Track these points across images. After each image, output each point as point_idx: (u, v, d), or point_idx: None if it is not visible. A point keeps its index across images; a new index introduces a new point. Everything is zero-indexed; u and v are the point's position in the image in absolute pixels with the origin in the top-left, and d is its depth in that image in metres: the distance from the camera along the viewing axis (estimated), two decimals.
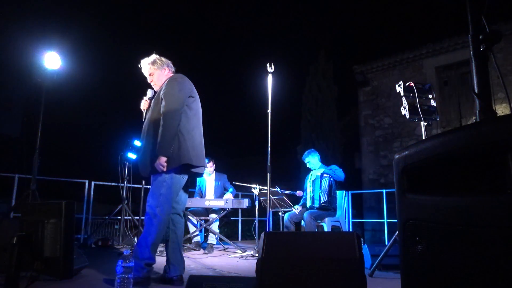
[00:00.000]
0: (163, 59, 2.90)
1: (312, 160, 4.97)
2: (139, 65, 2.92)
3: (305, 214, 4.51)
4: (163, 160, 2.51)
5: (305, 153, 5.06)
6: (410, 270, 1.17)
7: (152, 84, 2.91)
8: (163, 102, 2.62)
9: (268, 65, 3.65)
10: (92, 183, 5.99)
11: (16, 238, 1.78)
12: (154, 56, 2.90)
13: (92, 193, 5.97)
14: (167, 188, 2.57)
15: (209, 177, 5.65)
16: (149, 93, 2.93)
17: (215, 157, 5.74)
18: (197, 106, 2.82)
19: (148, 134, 2.70)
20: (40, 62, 4.28)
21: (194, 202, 5.24)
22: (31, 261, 1.84)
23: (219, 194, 5.51)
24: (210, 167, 5.62)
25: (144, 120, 2.88)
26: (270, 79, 3.66)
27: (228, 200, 5.06)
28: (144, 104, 2.91)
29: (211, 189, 5.59)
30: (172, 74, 2.88)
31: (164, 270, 2.69)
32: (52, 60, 4.29)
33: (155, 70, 2.86)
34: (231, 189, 5.56)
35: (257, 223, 5.15)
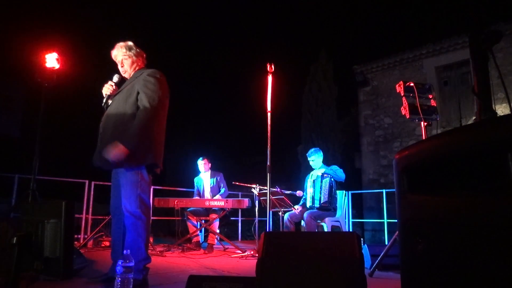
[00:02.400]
0: (139, 49, 2.77)
1: (317, 159, 4.97)
2: (112, 50, 2.73)
3: (305, 214, 4.51)
4: (125, 152, 2.35)
5: (312, 150, 5.05)
6: (410, 270, 1.17)
7: (123, 72, 2.74)
8: (144, 98, 2.49)
9: (268, 65, 3.65)
10: (92, 183, 5.98)
11: (16, 238, 1.78)
12: (131, 43, 2.75)
13: (92, 193, 5.97)
14: (143, 187, 2.51)
15: (205, 175, 5.66)
16: (115, 78, 2.71)
17: (215, 156, 5.77)
18: (167, 107, 2.73)
19: (115, 125, 2.52)
20: (40, 62, 4.28)
21: (194, 203, 5.24)
22: (31, 261, 1.84)
23: (216, 192, 5.52)
24: (204, 164, 5.62)
25: (104, 106, 2.69)
26: (270, 79, 3.66)
27: (228, 200, 5.06)
28: (108, 89, 2.67)
29: (207, 187, 5.60)
30: (143, 66, 2.77)
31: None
32: (52, 60, 4.28)
33: (129, 57, 2.71)
34: (223, 190, 5.54)
35: (257, 223, 5.15)
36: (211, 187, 5.56)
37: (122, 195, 2.51)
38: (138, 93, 2.56)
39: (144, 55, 2.82)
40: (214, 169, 5.75)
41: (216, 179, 5.60)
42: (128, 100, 2.56)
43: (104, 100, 2.67)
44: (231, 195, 7.11)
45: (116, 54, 2.74)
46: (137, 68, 2.74)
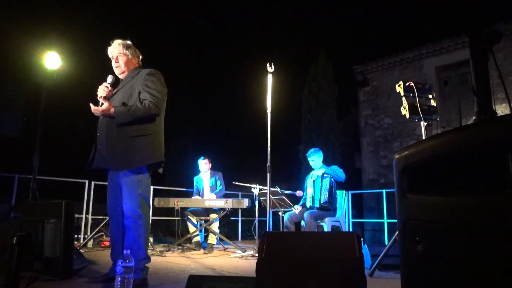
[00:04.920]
0: (136, 49, 2.79)
1: (316, 159, 4.97)
2: (109, 47, 2.73)
3: (305, 214, 4.51)
4: (110, 112, 2.46)
5: (311, 150, 5.06)
6: (410, 270, 1.17)
7: (116, 67, 2.73)
8: (148, 97, 2.52)
9: (268, 65, 3.65)
10: (92, 183, 5.98)
11: (16, 238, 1.78)
12: (129, 42, 2.77)
13: (92, 193, 5.96)
14: (144, 187, 2.52)
15: (205, 175, 5.67)
16: (110, 79, 2.66)
17: (215, 156, 5.77)
18: (165, 107, 2.74)
19: (121, 128, 2.50)
20: (40, 62, 4.29)
21: (194, 202, 5.24)
22: (31, 261, 1.84)
23: (215, 191, 5.52)
24: (205, 164, 5.62)
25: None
26: (270, 79, 3.66)
27: (228, 200, 5.06)
28: (103, 91, 2.57)
29: (207, 187, 5.61)
30: (137, 66, 2.79)
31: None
32: (52, 60, 4.28)
33: (125, 55, 2.71)
34: (220, 187, 5.54)
35: (257, 223, 5.15)
36: (210, 187, 5.57)
37: (123, 195, 2.51)
38: (139, 92, 2.58)
39: (141, 56, 2.85)
40: (214, 169, 5.76)
41: (215, 178, 5.61)
42: (130, 101, 2.57)
43: (100, 103, 2.60)
44: (232, 195, 7.11)
45: (112, 50, 2.74)
46: (131, 68, 2.76)
